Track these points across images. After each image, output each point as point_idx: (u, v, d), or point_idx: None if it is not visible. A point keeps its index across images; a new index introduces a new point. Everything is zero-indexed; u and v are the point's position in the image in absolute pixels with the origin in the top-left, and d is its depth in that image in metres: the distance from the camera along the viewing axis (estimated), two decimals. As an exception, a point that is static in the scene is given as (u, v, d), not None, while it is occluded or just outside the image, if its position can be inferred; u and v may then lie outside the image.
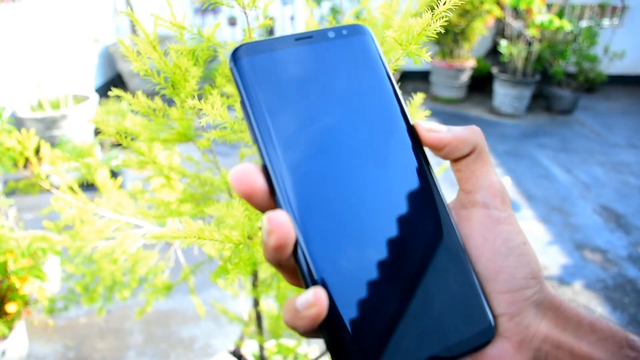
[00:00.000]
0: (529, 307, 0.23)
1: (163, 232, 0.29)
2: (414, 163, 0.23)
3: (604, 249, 1.97)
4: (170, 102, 0.52)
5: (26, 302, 1.21)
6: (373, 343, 0.21)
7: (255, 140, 0.22)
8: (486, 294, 0.23)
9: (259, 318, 0.78)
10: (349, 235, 0.21)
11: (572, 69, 3.59)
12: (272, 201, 0.21)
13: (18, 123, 2.37)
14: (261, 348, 0.85)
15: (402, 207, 0.23)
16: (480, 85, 3.95)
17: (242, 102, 0.22)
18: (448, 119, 3.54)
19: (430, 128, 0.24)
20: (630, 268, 1.85)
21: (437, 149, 0.24)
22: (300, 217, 0.21)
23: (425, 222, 0.23)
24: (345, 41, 0.24)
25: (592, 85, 3.82)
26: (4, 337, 1.19)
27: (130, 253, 0.71)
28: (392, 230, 0.22)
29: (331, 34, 0.24)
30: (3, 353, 1.20)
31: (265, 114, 0.22)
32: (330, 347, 0.21)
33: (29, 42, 2.55)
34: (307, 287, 0.21)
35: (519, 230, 0.24)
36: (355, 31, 0.24)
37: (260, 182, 0.21)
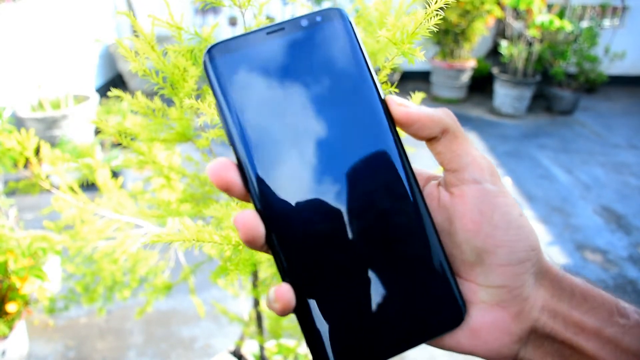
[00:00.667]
0: (529, 279, 0.23)
1: (162, 235, 0.28)
2: (386, 145, 0.23)
3: (604, 250, 1.97)
4: (169, 102, 0.52)
5: (26, 302, 1.21)
6: (344, 331, 0.22)
7: (230, 140, 0.22)
8: (480, 270, 0.23)
9: (259, 318, 0.78)
10: (319, 227, 0.22)
11: (572, 69, 3.59)
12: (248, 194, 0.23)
13: (18, 123, 2.37)
14: (261, 348, 0.85)
15: (372, 192, 0.23)
16: (480, 85, 3.95)
17: (216, 103, 0.23)
18: None
19: (400, 102, 0.24)
20: (631, 269, 1.85)
21: (407, 125, 0.24)
22: (270, 213, 0.22)
23: (394, 205, 0.23)
24: (318, 28, 0.23)
25: (592, 85, 3.82)
26: (4, 337, 1.19)
27: (131, 253, 0.71)
28: (361, 216, 0.22)
29: (304, 23, 0.23)
30: (3, 353, 1.20)
31: (237, 114, 0.22)
32: (305, 334, 0.22)
33: (29, 42, 2.54)
34: (282, 277, 0.22)
35: (514, 202, 0.24)
36: (329, 16, 0.24)
37: (235, 176, 0.22)
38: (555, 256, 1.94)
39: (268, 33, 0.23)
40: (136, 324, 1.54)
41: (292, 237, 0.22)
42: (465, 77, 3.73)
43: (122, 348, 1.44)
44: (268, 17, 0.43)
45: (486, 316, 0.23)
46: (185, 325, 1.51)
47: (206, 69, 0.23)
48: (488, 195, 0.23)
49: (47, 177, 0.81)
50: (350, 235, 0.22)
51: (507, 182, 2.55)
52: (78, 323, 1.54)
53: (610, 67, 3.81)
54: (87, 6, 3.29)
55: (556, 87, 3.55)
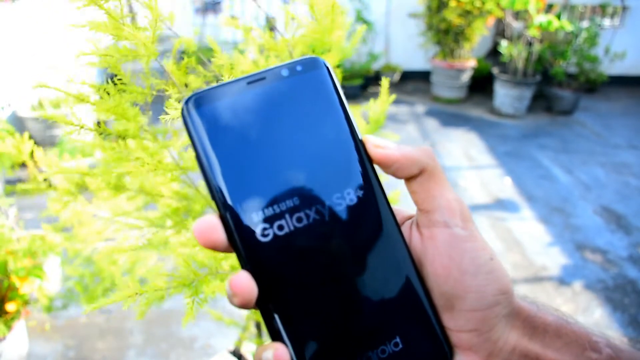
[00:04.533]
0: (499, 322, 0.23)
1: (156, 240, 0.27)
2: (365, 187, 0.24)
3: (604, 250, 1.97)
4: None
5: (26, 302, 1.20)
6: None
7: (211, 195, 0.23)
8: (450, 315, 0.24)
9: (256, 322, 0.78)
10: (303, 270, 0.22)
11: (572, 69, 3.58)
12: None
13: (18, 123, 2.36)
14: (261, 349, 0.84)
15: (353, 234, 0.23)
16: (480, 85, 3.94)
17: (196, 156, 0.23)
18: (448, 119, 3.54)
19: (377, 144, 0.24)
20: (631, 269, 1.85)
21: (385, 166, 0.24)
22: (260, 270, 0.22)
23: (376, 246, 0.23)
24: (298, 78, 0.24)
25: (592, 85, 3.81)
26: (3, 337, 1.17)
27: (130, 254, 0.70)
28: (342, 258, 0.23)
29: (284, 72, 0.24)
30: (1, 353, 1.19)
31: (218, 167, 0.22)
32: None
33: (29, 42, 2.52)
34: (273, 338, 0.23)
35: (484, 245, 0.24)
36: (310, 66, 0.24)
37: (221, 236, 0.22)
38: (555, 256, 1.94)
39: (248, 83, 0.23)
40: (136, 324, 1.53)
41: (284, 288, 0.22)
42: (466, 77, 3.72)
43: (122, 348, 1.43)
44: (268, 18, 0.42)
45: None
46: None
47: (185, 121, 0.22)
48: (457, 240, 0.23)
49: (45, 179, 0.80)
50: (331, 275, 0.23)
51: (507, 182, 2.54)
52: (78, 323, 1.53)
53: (611, 67, 3.79)
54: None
55: (556, 87, 3.54)
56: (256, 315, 0.76)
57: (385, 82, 0.60)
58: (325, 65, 0.25)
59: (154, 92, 0.44)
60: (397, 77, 4.22)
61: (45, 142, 2.46)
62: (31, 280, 1.12)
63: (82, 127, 0.47)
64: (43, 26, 2.62)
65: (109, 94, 0.42)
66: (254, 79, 0.23)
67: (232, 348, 1.00)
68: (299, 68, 0.24)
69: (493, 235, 2.06)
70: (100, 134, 0.46)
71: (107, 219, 0.71)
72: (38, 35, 2.58)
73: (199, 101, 0.23)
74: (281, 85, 0.23)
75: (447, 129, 3.32)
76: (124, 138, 0.45)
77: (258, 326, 0.79)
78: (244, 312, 0.99)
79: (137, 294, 0.36)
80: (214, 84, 0.24)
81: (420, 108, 3.73)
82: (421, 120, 3.50)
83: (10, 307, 1.16)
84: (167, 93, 0.43)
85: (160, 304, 0.75)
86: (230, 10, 4.07)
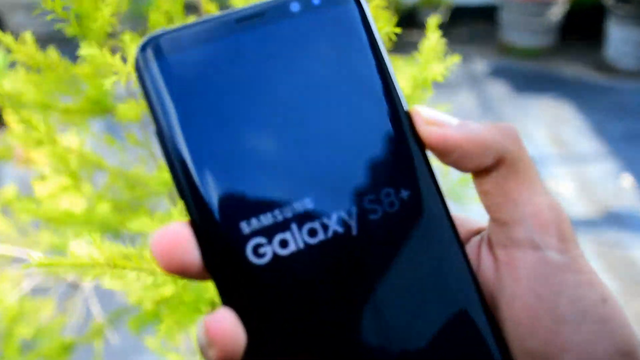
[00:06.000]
0: None
1: (54, 259, 0.28)
2: (411, 184, 0.24)
3: None
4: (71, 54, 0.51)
5: None
6: None
7: (179, 193, 0.22)
8: None
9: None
10: (325, 330, 0.23)
11: None
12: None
13: None
14: None
15: (398, 260, 0.23)
16: (581, 26, 3.82)
17: (157, 132, 0.22)
18: (526, 81, 3.35)
19: (431, 119, 0.24)
20: None
21: (443, 153, 0.24)
22: (249, 316, 0.22)
23: (429, 277, 0.24)
24: (314, 16, 0.24)
25: None
26: None
27: (9, 305, 0.70)
28: (382, 297, 0.23)
29: (294, 6, 0.23)
30: None
31: (191, 150, 0.22)
32: None
33: None
34: None
35: (593, 279, 0.23)
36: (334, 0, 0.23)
37: (192, 255, 0.22)
38: None
39: (238, 21, 0.23)
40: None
41: (287, 337, 0.23)
42: (556, 14, 3.61)
43: None
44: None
45: None
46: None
47: (141, 75, 0.22)
48: (551, 270, 0.23)
49: None
50: (358, 321, 0.23)
51: (625, 183, 2.46)
52: None
53: None
54: None
55: None
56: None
57: (433, 21, 0.63)
58: None
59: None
60: (443, 15, 4.25)
61: None
62: None
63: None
64: None
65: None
66: (247, 15, 0.23)
67: None
68: (315, 1, 0.24)
69: (603, 268, 2.00)
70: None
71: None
72: None
73: (162, 47, 0.22)
74: (288, 26, 0.23)
75: (523, 98, 3.18)
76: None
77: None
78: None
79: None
80: (187, 22, 0.23)
81: (480, 64, 3.65)
82: (481, 83, 3.39)
83: None
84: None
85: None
86: None
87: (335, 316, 0.22)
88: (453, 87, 3.33)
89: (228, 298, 0.22)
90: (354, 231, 0.23)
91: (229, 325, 0.21)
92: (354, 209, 0.23)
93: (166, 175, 0.60)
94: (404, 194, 0.24)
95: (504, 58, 3.72)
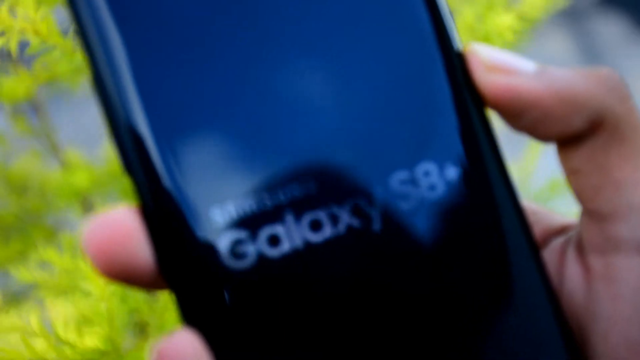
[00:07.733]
0: None
1: None
2: (466, 160, 0.20)
3: None
4: None
5: None
6: None
7: (124, 164, 0.19)
8: None
9: None
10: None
11: None
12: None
13: None
14: None
15: (444, 267, 0.20)
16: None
17: (94, 75, 0.19)
18: None
19: (494, 63, 0.19)
20: None
21: (510, 113, 0.18)
22: (220, 341, 0.19)
23: (487, 293, 0.20)
24: None
25: None
26: None
27: None
28: (418, 321, 0.20)
29: None
30: None
31: (142, 98, 0.18)
32: None
33: None
34: None
35: None
36: None
37: (140, 251, 0.19)
38: None
39: None
40: None
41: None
42: None
43: None
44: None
45: None
46: None
47: None
48: None
49: None
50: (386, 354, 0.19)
51: None
52: None
53: None
54: None
55: None
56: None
57: None
58: None
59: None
60: None
61: None
62: None
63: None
64: None
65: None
66: None
67: None
68: None
69: None
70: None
71: None
72: None
73: None
74: None
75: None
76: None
77: None
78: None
79: None
80: None
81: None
82: (582, 20, 3.07)
83: None
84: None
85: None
86: None
87: (356, 346, 0.18)
88: (543, 24, 2.92)
89: (191, 316, 0.18)
90: (376, 226, 0.18)
91: (191, 351, 0.18)
92: (377, 194, 0.18)
93: (78, 176, 0.60)
94: (451, 172, 0.19)
95: None
